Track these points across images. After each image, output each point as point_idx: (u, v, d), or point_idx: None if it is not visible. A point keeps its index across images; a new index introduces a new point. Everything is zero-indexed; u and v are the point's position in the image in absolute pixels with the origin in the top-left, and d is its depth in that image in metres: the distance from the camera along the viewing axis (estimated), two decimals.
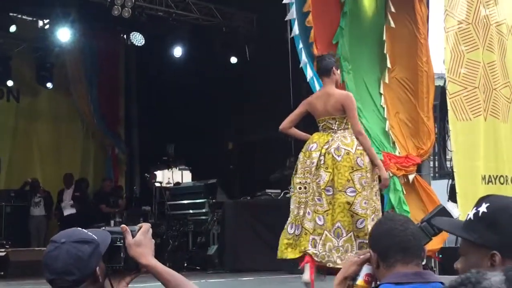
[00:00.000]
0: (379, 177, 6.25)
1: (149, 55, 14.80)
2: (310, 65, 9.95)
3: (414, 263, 2.36)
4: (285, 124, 6.79)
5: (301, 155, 6.40)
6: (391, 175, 9.66)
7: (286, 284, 8.87)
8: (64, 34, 13.32)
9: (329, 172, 6.05)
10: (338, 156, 6.04)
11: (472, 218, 1.86)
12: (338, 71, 6.44)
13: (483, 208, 1.85)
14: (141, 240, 2.40)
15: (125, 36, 15.49)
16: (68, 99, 15.57)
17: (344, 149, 6.07)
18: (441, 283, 2.33)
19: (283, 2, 9.87)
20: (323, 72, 6.38)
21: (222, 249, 11.10)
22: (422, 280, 2.31)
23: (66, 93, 15.52)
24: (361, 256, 2.49)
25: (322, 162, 6.11)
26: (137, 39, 13.47)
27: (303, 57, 9.85)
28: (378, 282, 2.41)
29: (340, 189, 6.02)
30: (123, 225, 2.41)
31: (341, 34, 10.05)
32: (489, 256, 1.78)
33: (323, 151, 6.15)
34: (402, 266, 2.34)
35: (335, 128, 6.25)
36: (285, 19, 9.95)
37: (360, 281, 2.46)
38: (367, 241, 5.32)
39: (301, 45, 9.83)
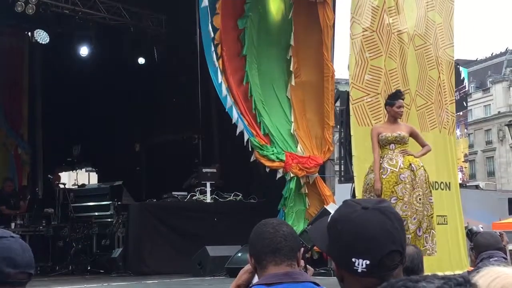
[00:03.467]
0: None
1: (54, 53, 14.45)
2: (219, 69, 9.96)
3: (286, 264, 2.42)
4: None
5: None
6: (291, 175, 9.87)
7: (190, 287, 8.85)
8: None
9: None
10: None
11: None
12: (393, 107, 7.36)
13: (329, 218, 1.89)
14: None
15: (29, 33, 15.05)
16: None
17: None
18: (314, 283, 2.40)
19: (202, 6, 9.76)
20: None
21: (127, 252, 10.96)
22: (291, 280, 2.38)
23: None
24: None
25: None
26: (42, 36, 13.13)
27: (214, 61, 9.81)
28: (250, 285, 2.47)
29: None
30: None
31: (245, 35, 10.16)
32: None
33: None
34: (273, 267, 2.40)
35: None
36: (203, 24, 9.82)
37: None
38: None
39: (212, 48, 9.81)
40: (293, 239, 2.48)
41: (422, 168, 7.41)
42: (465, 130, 30.61)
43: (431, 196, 7.52)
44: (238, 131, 9.96)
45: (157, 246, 10.85)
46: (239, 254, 9.44)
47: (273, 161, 9.97)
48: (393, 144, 7.35)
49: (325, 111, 10.30)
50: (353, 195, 9.28)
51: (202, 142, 13.75)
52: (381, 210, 1.83)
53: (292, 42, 10.61)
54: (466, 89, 30.12)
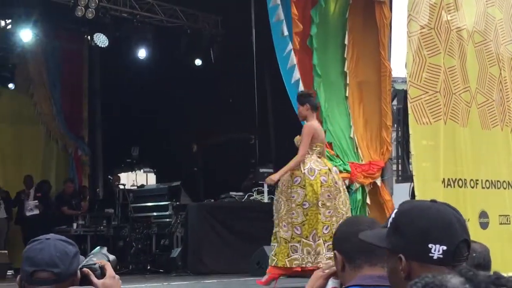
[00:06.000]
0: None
1: (113, 56, 14.68)
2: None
3: (380, 266, 2.30)
4: None
5: (336, 175, 7.63)
6: (357, 186, 9.67)
7: (249, 287, 8.87)
8: (26, 35, 13.13)
9: None
10: (312, 176, 7.38)
11: (388, 226, 1.90)
12: (304, 107, 7.79)
13: (393, 214, 1.89)
14: (112, 285, 2.36)
15: (88, 37, 15.34)
16: (30, 100, 15.34)
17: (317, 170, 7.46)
18: None
19: (269, 6, 9.50)
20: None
21: (186, 251, 11.07)
22: (388, 283, 2.29)
23: (28, 94, 15.32)
24: (326, 270, 2.45)
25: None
26: (101, 40, 13.35)
27: (292, 59, 9.37)
28: (343, 286, 2.38)
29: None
30: (84, 269, 2.34)
31: (312, 41, 9.90)
32: (398, 260, 1.81)
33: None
34: (368, 268, 2.30)
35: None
36: (273, 21, 9.50)
37: None
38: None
39: (290, 46, 9.32)
40: None
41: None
42: None
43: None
44: None
45: (215, 246, 10.92)
46: None
47: (341, 172, 9.71)
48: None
49: (383, 111, 10.16)
50: (412, 194, 9.17)
51: (259, 143, 13.77)
52: (448, 204, 1.89)
53: (346, 42, 10.43)
54: None
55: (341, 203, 7.45)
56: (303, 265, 7.25)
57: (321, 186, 7.32)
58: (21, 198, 13.91)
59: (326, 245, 7.17)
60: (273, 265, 7.52)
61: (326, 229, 7.26)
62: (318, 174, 7.34)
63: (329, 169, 7.55)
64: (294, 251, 7.32)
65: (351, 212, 9.54)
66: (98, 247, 2.52)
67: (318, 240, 7.20)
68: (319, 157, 7.58)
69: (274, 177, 7.51)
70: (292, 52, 9.24)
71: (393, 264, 1.86)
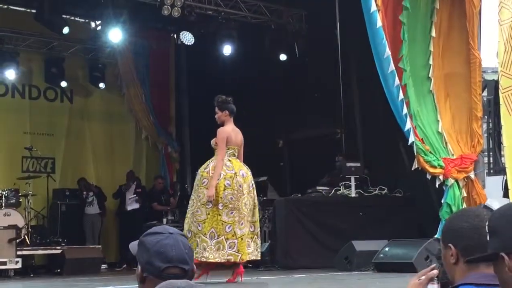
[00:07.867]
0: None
1: (198, 53, 14.89)
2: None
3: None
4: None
5: (241, 178, 8.07)
6: (452, 181, 9.39)
7: (338, 282, 8.84)
8: (115, 35, 13.47)
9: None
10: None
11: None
12: (223, 112, 8.55)
13: (489, 219, 1.93)
14: None
15: (175, 35, 15.63)
16: (120, 99, 15.79)
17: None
18: None
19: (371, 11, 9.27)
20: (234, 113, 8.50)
21: (274, 246, 11.12)
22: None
23: (118, 93, 15.75)
24: (423, 277, 2.33)
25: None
26: (187, 38, 13.56)
27: (386, 49, 9.17)
28: (454, 283, 2.25)
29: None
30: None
31: (404, 33, 9.65)
32: (501, 259, 1.84)
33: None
34: (485, 267, 2.16)
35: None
36: (370, 12, 9.27)
37: None
38: (235, 241, 7.82)
39: (385, 37, 9.19)
40: None
41: (250, 175, 8.22)
42: None
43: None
44: (405, 128, 9.44)
45: (303, 240, 10.93)
46: (387, 249, 9.34)
47: (435, 167, 9.46)
48: None
49: (473, 102, 9.87)
50: (505, 187, 8.91)
51: (345, 136, 13.68)
52: None
53: (434, 34, 10.11)
54: None
55: (243, 204, 7.98)
56: (198, 259, 7.75)
57: (224, 189, 7.88)
58: (122, 192, 14.37)
59: (228, 242, 7.84)
60: None
61: (229, 228, 7.87)
62: (223, 178, 7.92)
63: (235, 173, 8.04)
64: (196, 246, 7.87)
65: (449, 208, 9.30)
66: None
67: (218, 238, 7.80)
68: (230, 160, 8.14)
69: (210, 192, 7.88)
70: (387, 42, 9.11)
71: (498, 266, 1.85)
